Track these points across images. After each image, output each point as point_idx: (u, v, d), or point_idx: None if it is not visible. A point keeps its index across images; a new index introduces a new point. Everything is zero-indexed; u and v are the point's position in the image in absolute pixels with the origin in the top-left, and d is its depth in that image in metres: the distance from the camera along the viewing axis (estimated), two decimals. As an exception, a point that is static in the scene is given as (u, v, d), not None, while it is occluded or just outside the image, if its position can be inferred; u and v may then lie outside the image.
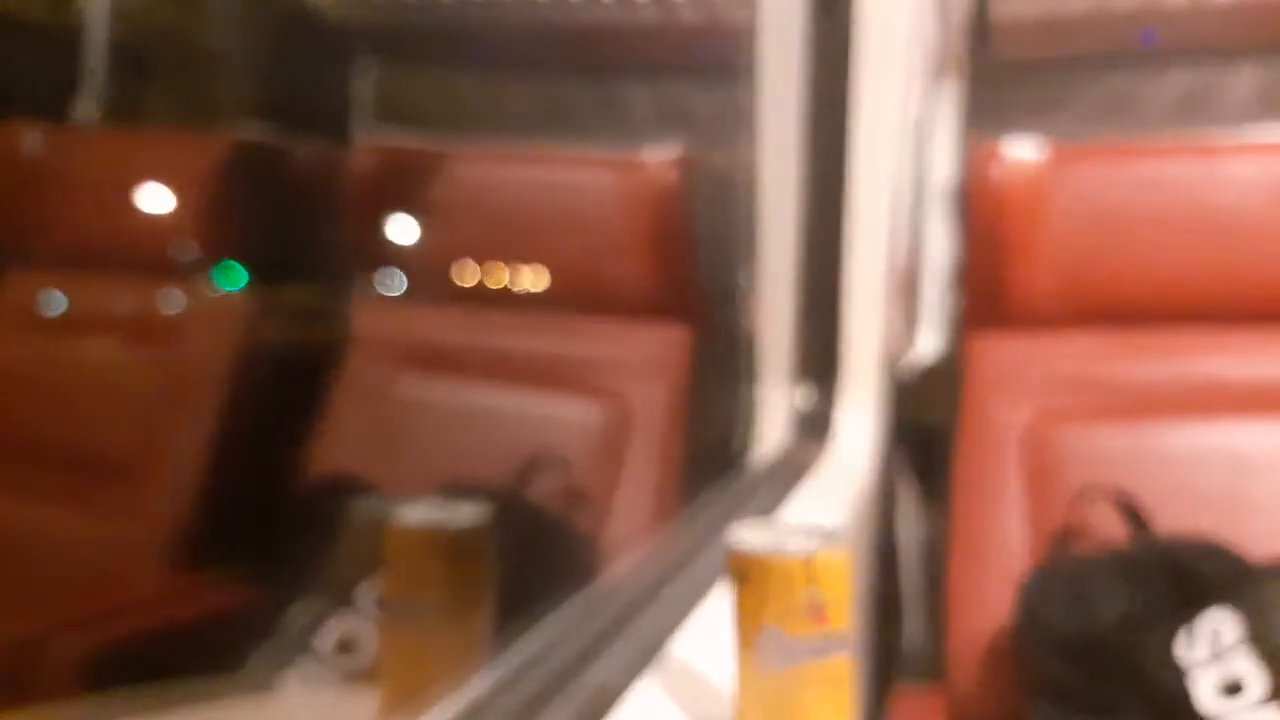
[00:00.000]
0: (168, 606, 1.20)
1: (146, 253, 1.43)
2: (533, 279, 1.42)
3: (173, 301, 1.41)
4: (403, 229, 1.45)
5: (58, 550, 1.29)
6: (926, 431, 1.45)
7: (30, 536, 1.29)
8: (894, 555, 1.53)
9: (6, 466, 1.33)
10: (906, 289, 1.84)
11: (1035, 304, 1.27)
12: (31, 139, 1.51)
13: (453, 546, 0.59)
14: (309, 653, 0.93)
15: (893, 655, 1.26)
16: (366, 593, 0.93)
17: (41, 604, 1.11)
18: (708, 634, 0.66)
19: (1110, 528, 1.08)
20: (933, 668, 1.12)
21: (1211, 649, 0.83)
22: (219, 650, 0.98)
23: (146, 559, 1.30)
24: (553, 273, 1.41)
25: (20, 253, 1.45)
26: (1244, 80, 3.47)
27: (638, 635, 0.63)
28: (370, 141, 1.51)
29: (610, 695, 0.56)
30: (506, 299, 1.41)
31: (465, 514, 0.60)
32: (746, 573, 0.55)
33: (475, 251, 1.44)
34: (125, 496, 1.33)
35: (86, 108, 1.62)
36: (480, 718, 0.49)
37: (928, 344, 2.65)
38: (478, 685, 0.51)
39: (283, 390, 1.39)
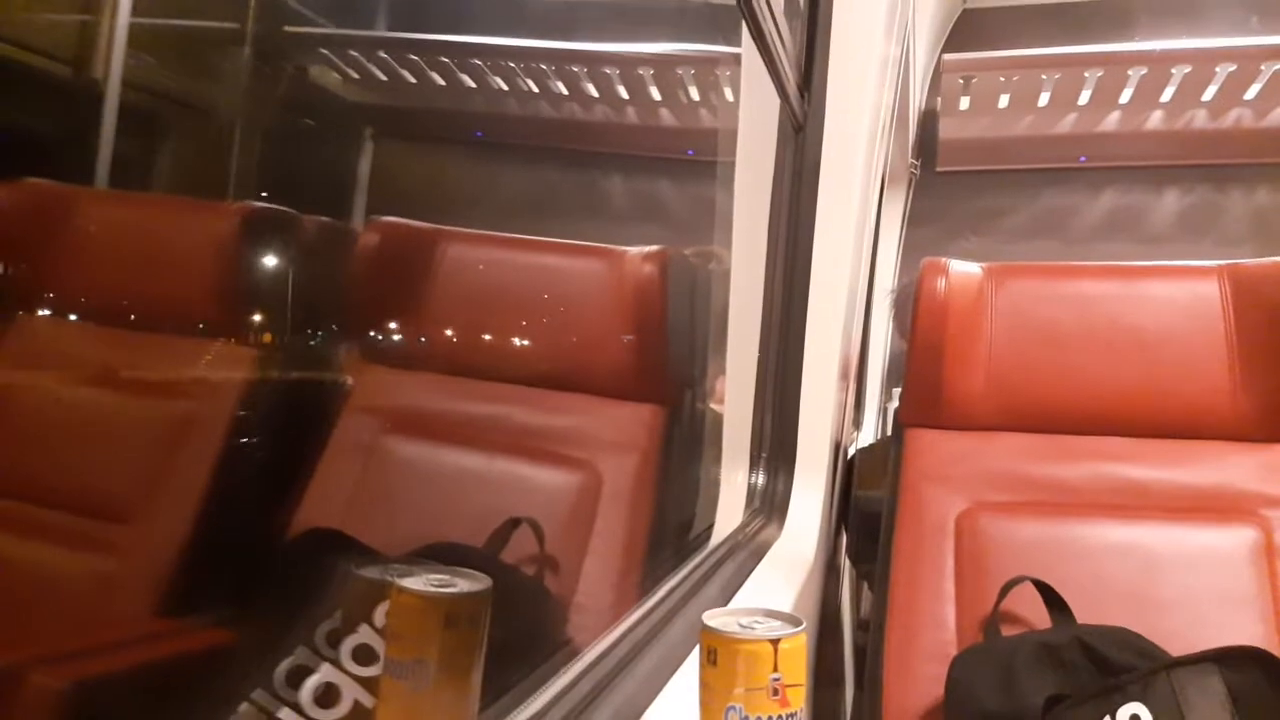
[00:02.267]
0: (149, 647, 1.17)
1: (157, 307, 1.43)
2: (517, 354, 1.44)
3: (178, 354, 1.41)
4: (402, 301, 1.47)
5: (45, 585, 1.26)
6: (866, 512, 1.48)
7: (19, 571, 1.26)
8: (838, 628, 1.54)
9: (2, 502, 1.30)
10: (855, 380, 1.88)
11: (970, 405, 1.31)
12: (50, 195, 1.51)
13: (454, 613, 0.60)
14: (289, 703, 0.92)
15: (833, 723, 1.26)
16: (348, 646, 0.93)
17: (24, 637, 1.09)
18: (676, 706, 0.67)
19: (1034, 614, 1.11)
20: (871, 738, 1.13)
21: (1130, 739, 0.86)
22: (199, 694, 0.96)
23: (131, 599, 1.27)
24: (536, 349, 1.43)
25: (32, 302, 1.44)
26: (1168, 203, 3.63)
27: (614, 706, 0.64)
28: (376, 219, 1.53)
29: (592, 764, 0.57)
30: (491, 370, 1.43)
31: (466, 582, 0.61)
32: (717, 653, 0.57)
33: (465, 326, 1.46)
34: (115, 536, 1.31)
35: (102, 170, 1.63)
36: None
37: (870, 430, 2.70)
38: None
39: (276, 444, 1.39)
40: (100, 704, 1.01)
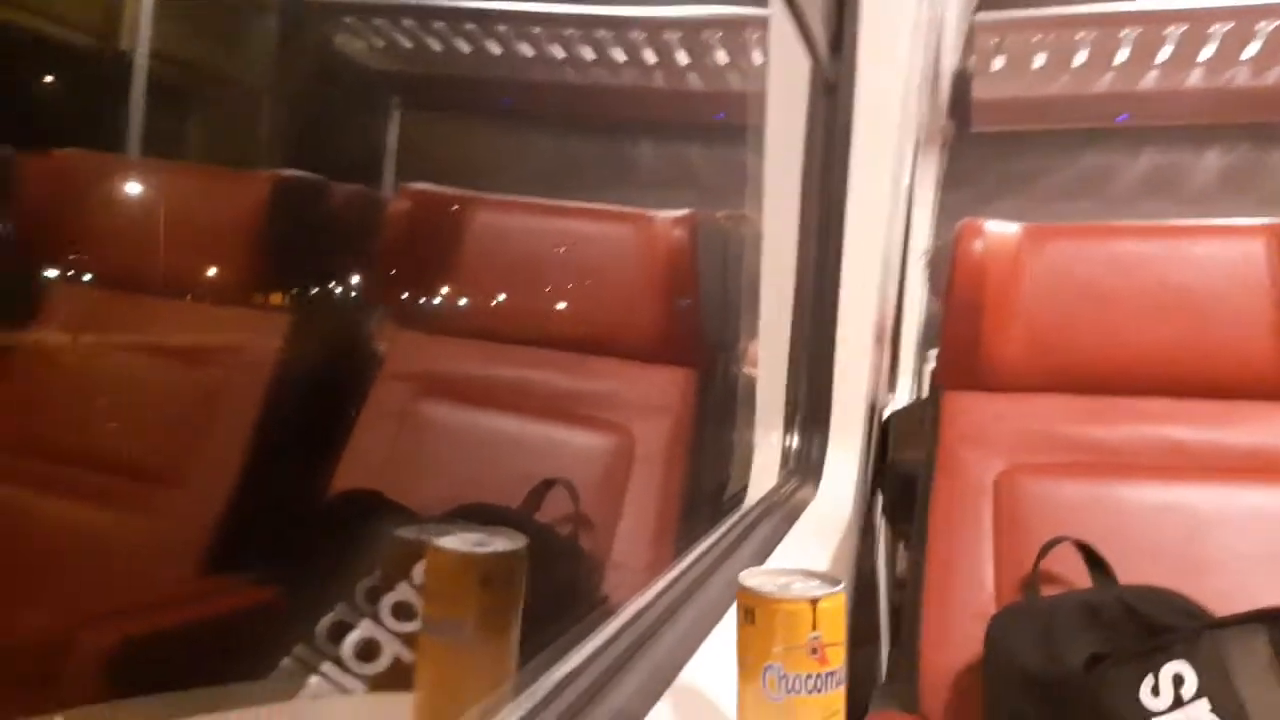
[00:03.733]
0: (194, 607, 1.19)
1: (194, 275, 1.44)
2: (548, 319, 1.43)
3: (216, 321, 1.42)
4: (433, 267, 1.47)
5: (93, 548, 1.28)
6: (901, 474, 1.47)
7: (67, 532, 1.29)
8: (874, 588, 1.54)
9: (48, 468, 1.32)
10: (889, 343, 1.86)
11: (1007, 367, 1.29)
12: (84, 165, 1.52)
13: (491, 572, 0.59)
14: (331, 658, 0.93)
15: (870, 684, 1.26)
16: (387, 603, 0.93)
17: (73, 598, 1.11)
18: (714, 665, 0.67)
19: (1075, 575, 1.09)
20: (907, 697, 1.13)
21: (1173, 698, 0.84)
22: (243, 651, 0.98)
23: (176, 560, 1.29)
24: (569, 314, 1.42)
25: (69, 271, 1.46)
26: (1210, 162, 3.55)
27: (652, 664, 0.64)
28: (408, 187, 1.52)
29: None
30: (523, 335, 1.43)
31: (503, 541, 0.61)
32: (754, 613, 0.56)
33: (496, 291, 1.46)
34: (160, 500, 1.33)
35: (133, 140, 1.64)
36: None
37: (905, 393, 2.68)
38: (513, 708, 0.51)
39: (314, 408, 1.40)
40: (147, 660, 1.03)
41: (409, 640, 0.90)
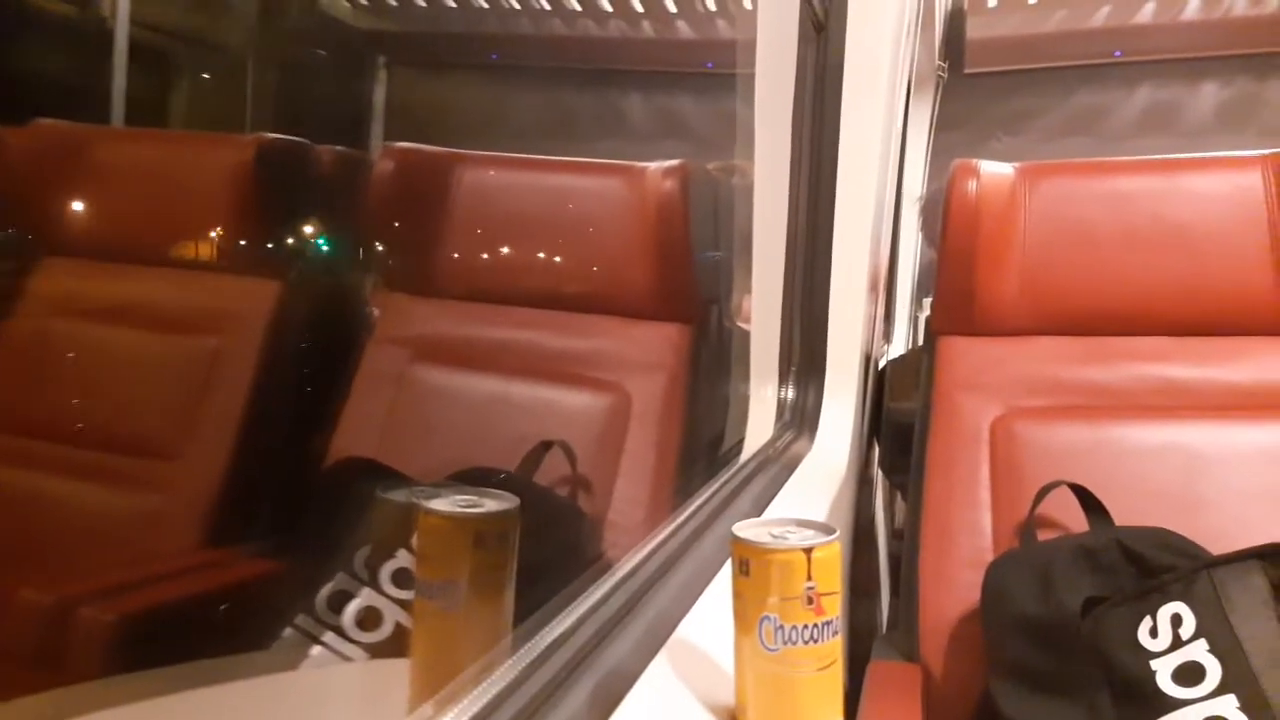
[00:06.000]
0: (195, 579, 1.20)
1: (180, 243, 1.42)
2: (539, 276, 1.42)
3: (205, 289, 1.41)
4: (421, 228, 1.45)
5: (92, 523, 1.28)
6: (898, 423, 1.47)
7: (64, 509, 1.29)
8: (873, 539, 1.55)
9: (41, 444, 1.32)
10: (884, 291, 1.85)
11: (1003, 310, 1.28)
12: (67, 135, 1.50)
13: (482, 532, 0.59)
14: (332, 627, 0.94)
15: (869, 633, 1.27)
16: (387, 571, 0.94)
17: (73, 574, 1.11)
18: (711, 618, 0.67)
19: (1071, 519, 1.09)
20: (907, 646, 1.13)
21: (1171, 638, 0.85)
22: (245, 623, 0.98)
23: (176, 533, 1.30)
24: (559, 271, 1.41)
25: (57, 243, 1.44)
26: (1207, 95, 3.50)
27: (647, 620, 0.64)
28: (391, 146, 1.50)
29: (626, 677, 0.57)
30: (514, 295, 1.42)
31: (494, 502, 0.61)
32: (749, 564, 0.56)
33: (485, 250, 1.44)
34: (157, 472, 1.33)
35: (115, 108, 1.61)
36: (509, 698, 0.49)
37: (900, 343, 2.67)
38: (507, 668, 0.51)
39: (308, 375, 1.40)
40: (150, 634, 1.03)
41: (409, 607, 0.91)
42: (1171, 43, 3.34)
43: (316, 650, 0.91)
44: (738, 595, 0.57)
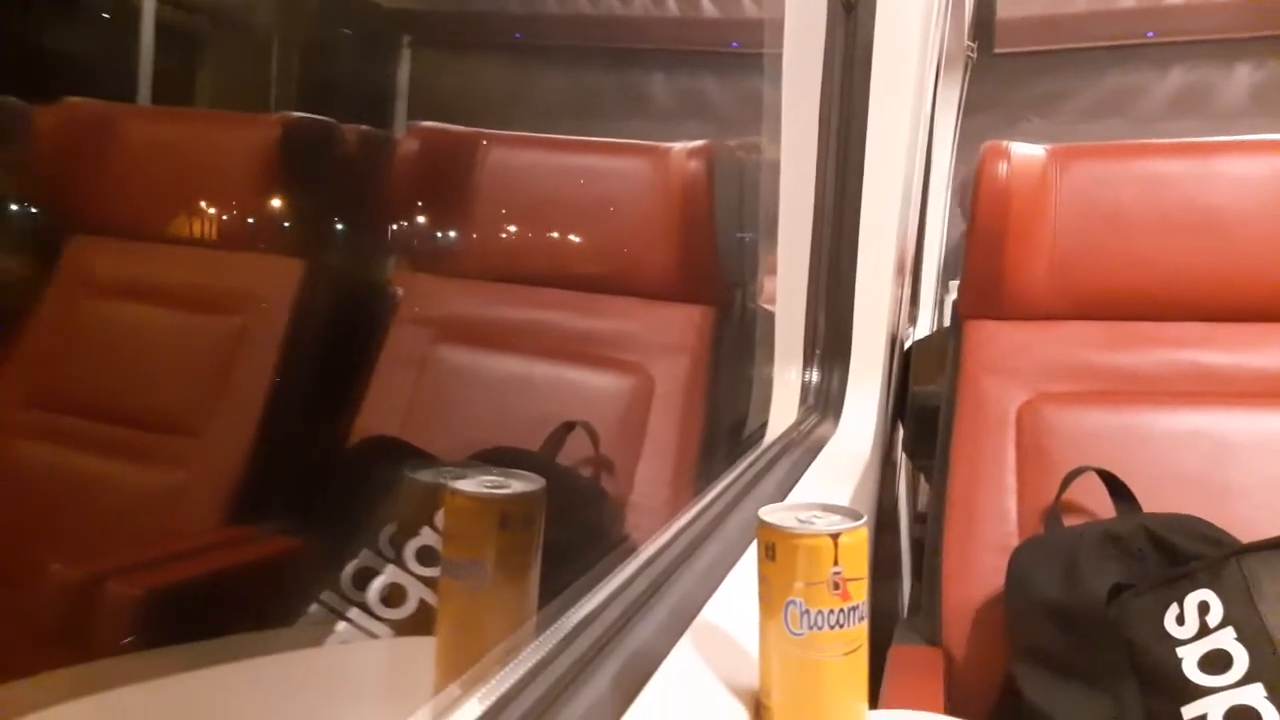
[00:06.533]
0: (221, 556, 1.21)
1: (206, 222, 1.43)
2: (563, 257, 1.42)
3: (230, 268, 1.41)
4: (445, 208, 1.45)
5: (118, 499, 1.30)
6: (923, 406, 1.46)
7: (92, 484, 1.30)
8: (896, 522, 1.54)
9: (71, 421, 1.33)
10: (910, 274, 1.83)
11: (1032, 293, 1.26)
12: (95, 114, 1.51)
13: (508, 513, 0.59)
14: (357, 604, 0.94)
15: (891, 616, 1.27)
16: (411, 548, 0.94)
17: (99, 550, 1.12)
18: (735, 601, 0.67)
19: (1098, 505, 1.08)
20: (929, 630, 1.13)
21: (1198, 626, 0.84)
22: (270, 599, 0.99)
23: (202, 510, 1.31)
24: (582, 252, 1.41)
25: (84, 221, 1.45)
26: (1240, 77, 3.44)
27: (672, 602, 0.64)
28: (416, 126, 1.50)
29: (651, 659, 0.57)
30: (538, 275, 1.41)
31: (520, 483, 0.61)
32: (775, 548, 0.56)
33: (510, 230, 1.44)
34: (184, 449, 1.34)
35: (143, 87, 1.62)
36: (535, 679, 0.50)
37: (925, 326, 2.65)
38: (534, 649, 0.52)
39: (332, 354, 1.40)
40: (175, 610, 1.05)
41: (434, 584, 0.91)
42: (1204, 23, 3.28)
43: (342, 626, 0.92)
44: (763, 579, 0.57)
